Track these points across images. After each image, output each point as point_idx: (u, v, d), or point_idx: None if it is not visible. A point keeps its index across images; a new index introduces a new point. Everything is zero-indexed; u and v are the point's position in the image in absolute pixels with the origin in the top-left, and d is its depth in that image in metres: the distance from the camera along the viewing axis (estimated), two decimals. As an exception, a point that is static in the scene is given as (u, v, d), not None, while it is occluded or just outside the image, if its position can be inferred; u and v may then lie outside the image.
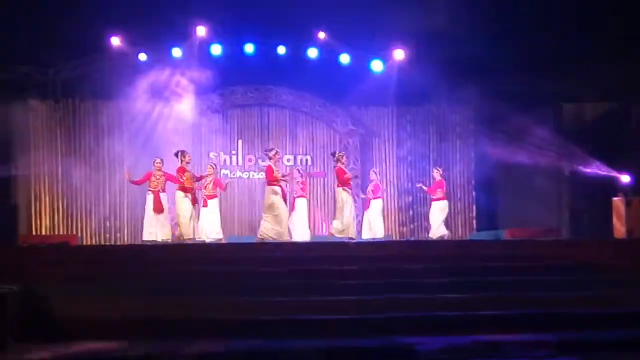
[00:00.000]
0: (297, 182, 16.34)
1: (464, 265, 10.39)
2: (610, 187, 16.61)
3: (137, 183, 15.48)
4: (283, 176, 14.50)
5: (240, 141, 19.39)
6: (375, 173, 16.97)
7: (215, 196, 15.79)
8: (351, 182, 15.31)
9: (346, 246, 12.69)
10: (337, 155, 15.09)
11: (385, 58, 18.87)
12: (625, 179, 16.68)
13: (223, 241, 15.44)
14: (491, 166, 18.67)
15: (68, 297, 8.43)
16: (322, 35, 18.34)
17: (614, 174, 16.92)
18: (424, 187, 16.87)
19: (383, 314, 8.21)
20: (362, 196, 17.39)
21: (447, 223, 17.67)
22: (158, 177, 14.93)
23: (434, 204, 16.56)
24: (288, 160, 19.28)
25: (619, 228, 15.37)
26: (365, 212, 16.68)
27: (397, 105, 19.51)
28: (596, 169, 17.21)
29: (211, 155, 18.90)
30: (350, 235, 14.65)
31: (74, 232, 18.04)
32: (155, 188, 14.87)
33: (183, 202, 14.48)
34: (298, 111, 19.57)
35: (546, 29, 16.35)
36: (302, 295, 8.80)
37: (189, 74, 18.12)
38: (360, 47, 18.54)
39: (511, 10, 16.06)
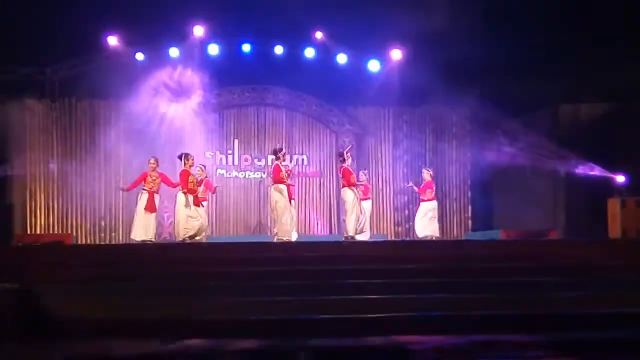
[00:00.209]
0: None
1: (459, 265, 10.39)
2: (606, 187, 16.64)
3: (133, 186, 15.19)
4: (288, 175, 14.44)
5: (236, 141, 19.40)
6: (365, 174, 16.87)
7: (205, 199, 15.54)
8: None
9: (340, 246, 12.70)
10: (344, 154, 14.99)
11: (382, 58, 18.90)
12: (620, 179, 16.71)
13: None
14: (487, 167, 18.70)
15: (63, 296, 8.42)
16: (319, 35, 18.37)
17: (609, 174, 16.94)
18: (415, 188, 16.77)
19: (378, 314, 8.20)
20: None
21: (442, 223, 17.73)
22: (154, 177, 14.74)
23: (422, 204, 16.42)
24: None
25: (614, 228, 15.40)
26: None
27: (393, 105, 19.53)
28: (592, 169, 17.23)
29: (207, 154, 18.91)
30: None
31: (69, 232, 18.04)
32: (151, 188, 14.68)
33: (186, 205, 14.28)
34: (294, 111, 19.60)
35: (543, 30, 16.37)
36: (296, 295, 8.79)
37: (186, 73, 18.13)
38: (357, 47, 18.58)
39: (508, 11, 16.08)
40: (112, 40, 17.78)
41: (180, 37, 18.08)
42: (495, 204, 19.38)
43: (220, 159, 19.23)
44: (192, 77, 18.15)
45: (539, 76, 16.56)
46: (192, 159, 14.81)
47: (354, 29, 17.23)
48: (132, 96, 18.01)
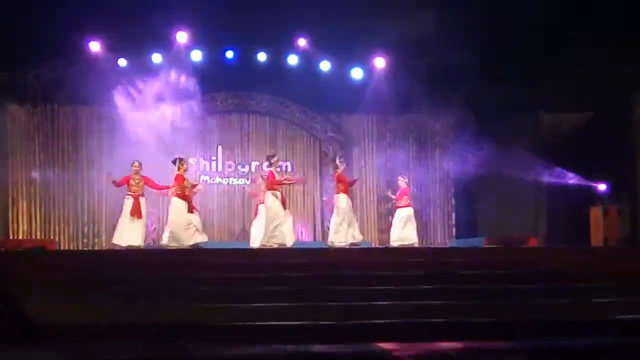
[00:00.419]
0: (262, 189, 16.25)
1: (442, 272, 10.43)
2: (588, 196, 16.75)
3: (116, 184, 15.04)
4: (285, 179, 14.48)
5: (220, 147, 19.39)
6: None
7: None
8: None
9: (325, 252, 12.72)
10: (337, 161, 15.04)
11: (366, 66, 18.94)
12: (602, 187, 16.81)
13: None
14: (470, 174, 18.74)
15: (46, 301, 8.40)
16: (302, 42, 18.37)
17: (591, 183, 17.04)
18: (392, 196, 16.72)
19: (360, 320, 8.22)
20: (324, 199, 17.38)
21: (425, 230, 17.78)
22: (137, 180, 14.69)
23: (398, 211, 16.40)
24: (268, 166, 19.25)
25: (597, 236, 15.51)
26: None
27: (377, 113, 19.58)
28: (574, 178, 17.33)
29: (191, 161, 18.82)
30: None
31: (52, 237, 17.95)
32: (135, 192, 14.63)
33: (181, 210, 14.21)
34: (278, 118, 19.63)
35: (525, 38, 16.45)
36: (281, 301, 8.80)
37: (169, 79, 18.07)
38: (340, 55, 18.60)
39: (491, 19, 16.14)
40: (95, 46, 17.72)
41: (164, 43, 18.02)
42: (479, 212, 19.45)
43: (204, 166, 19.22)
44: (175, 83, 18.09)
45: (521, 84, 16.66)
46: (187, 164, 14.77)
47: (337, 36, 17.27)
48: (114, 102, 17.95)
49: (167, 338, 7.80)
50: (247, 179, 18.99)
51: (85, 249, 18.04)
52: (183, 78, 18.06)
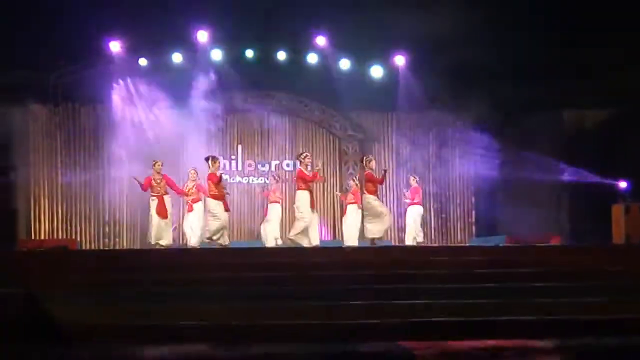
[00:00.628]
0: (272, 188, 16.22)
1: (463, 272, 10.38)
2: (610, 193, 16.63)
3: (143, 188, 14.70)
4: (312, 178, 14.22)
5: (239, 146, 19.41)
6: (355, 180, 16.75)
7: (200, 199, 15.15)
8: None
9: (342, 252, 12.67)
10: (365, 159, 14.83)
11: (385, 64, 18.88)
12: (624, 185, 16.69)
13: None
14: (491, 172, 18.66)
15: (67, 301, 8.43)
16: (321, 40, 18.35)
17: (613, 180, 16.93)
18: (407, 199, 16.53)
19: (381, 319, 8.20)
20: (337, 193, 17.37)
21: (445, 228, 17.76)
22: (159, 180, 14.48)
23: (409, 208, 16.28)
24: (287, 165, 19.34)
25: (618, 234, 15.39)
26: (343, 218, 16.14)
27: (397, 110, 19.51)
28: (596, 175, 17.22)
29: (211, 160, 18.89)
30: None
31: (73, 237, 18.04)
32: (158, 193, 14.43)
33: (218, 209, 13.97)
34: (297, 116, 19.62)
35: (547, 36, 16.37)
36: (301, 301, 8.79)
37: (189, 79, 18.10)
38: (360, 53, 18.57)
39: (513, 17, 16.08)
40: (115, 46, 17.79)
41: (184, 42, 18.08)
42: (500, 210, 19.35)
43: (224, 165, 19.21)
44: (195, 82, 18.12)
45: (544, 81, 16.58)
46: (219, 162, 14.62)
47: (356, 34, 17.25)
48: (135, 101, 18.02)
49: (191, 338, 7.82)
50: (267, 178, 18.99)
51: (106, 248, 18.10)
52: (203, 77, 18.07)
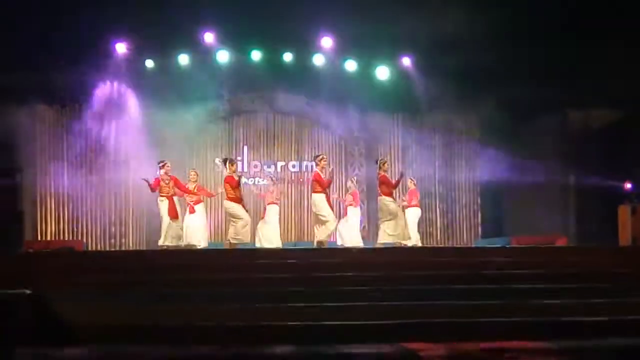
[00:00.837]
0: (269, 190, 16.19)
1: (468, 272, 10.38)
2: (616, 194, 16.60)
3: (152, 189, 14.70)
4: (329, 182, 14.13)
5: (245, 147, 19.44)
6: (353, 182, 16.72)
7: (201, 201, 15.37)
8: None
9: (349, 252, 12.68)
10: (379, 162, 14.54)
11: (392, 65, 18.88)
12: (630, 186, 16.67)
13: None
14: (497, 173, 18.64)
15: (74, 302, 8.45)
16: (327, 42, 18.34)
17: (619, 181, 16.90)
18: (405, 203, 16.41)
19: (388, 320, 8.21)
20: (335, 197, 17.18)
21: (451, 229, 17.70)
22: (167, 181, 14.46)
23: (407, 210, 16.15)
24: (293, 166, 19.36)
25: (625, 235, 15.36)
26: (341, 220, 16.07)
27: (402, 112, 19.53)
28: (602, 176, 17.19)
29: (217, 161, 18.95)
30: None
31: (79, 238, 18.08)
32: (167, 193, 14.41)
33: (239, 210, 13.97)
34: (303, 117, 19.65)
35: (553, 36, 16.34)
36: (307, 302, 8.79)
37: (195, 80, 18.11)
38: (366, 54, 18.57)
39: (518, 18, 16.04)
40: (121, 47, 17.81)
41: (190, 44, 18.09)
42: (506, 211, 19.34)
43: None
44: (201, 84, 18.13)
45: (549, 82, 16.54)
46: (236, 165, 14.56)
47: (362, 36, 17.23)
48: (141, 102, 18.07)
49: (198, 339, 7.84)
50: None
51: (113, 249, 18.13)
52: (209, 79, 18.08)
